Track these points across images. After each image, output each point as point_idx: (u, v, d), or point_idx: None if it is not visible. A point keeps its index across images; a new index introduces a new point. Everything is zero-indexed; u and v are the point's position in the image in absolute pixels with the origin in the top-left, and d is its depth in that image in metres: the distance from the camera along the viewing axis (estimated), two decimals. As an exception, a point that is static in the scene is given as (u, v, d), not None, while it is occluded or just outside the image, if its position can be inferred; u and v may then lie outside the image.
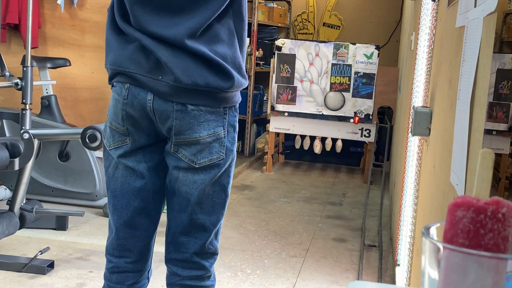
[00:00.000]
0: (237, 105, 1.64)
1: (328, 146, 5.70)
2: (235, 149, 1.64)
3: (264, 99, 6.41)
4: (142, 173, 1.62)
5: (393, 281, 2.92)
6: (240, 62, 1.58)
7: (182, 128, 1.54)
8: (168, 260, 1.69)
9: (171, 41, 1.49)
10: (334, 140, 5.67)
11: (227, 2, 1.52)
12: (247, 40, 5.98)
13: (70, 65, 3.99)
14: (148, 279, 1.76)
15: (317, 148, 5.72)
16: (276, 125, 5.61)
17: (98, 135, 3.01)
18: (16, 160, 2.84)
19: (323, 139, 5.75)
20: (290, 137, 6.07)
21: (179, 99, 1.53)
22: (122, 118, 1.58)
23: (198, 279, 1.66)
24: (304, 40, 5.73)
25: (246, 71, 6.96)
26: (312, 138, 5.76)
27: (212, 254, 1.68)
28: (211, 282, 1.70)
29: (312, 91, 5.48)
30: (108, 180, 1.65)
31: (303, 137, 5.79)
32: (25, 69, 3.02)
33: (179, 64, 1.49)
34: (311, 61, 5.47)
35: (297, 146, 5.85)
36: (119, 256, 1.68)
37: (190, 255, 1.64)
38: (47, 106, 3.90)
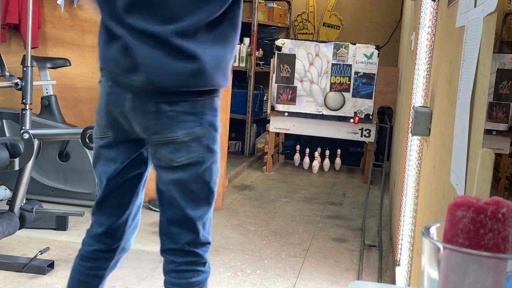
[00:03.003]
0: (217, 105, 1.67)
1: (326, 167, 5.89)
2: (217, 148, 1.68)
3: (264, 99, 6.41)
4: (117, 165, 1.73)
5: (393, 281, 2.91)
6: (227, 64, 1.64)
7: (158, 128, 1.61)
8: (164, 251, 1.76)
9: (156, 35, 1.54)
10: (333, 159, 5.86)
11: (222, 10, 1.57)
12: (247, 40, 5.98)
13: (70, 65, 3.99)
14: (115, 253, 1.84)
15: (315, 168, 5.77)
16: (276, 125, 5.61)
17: (98, 135, 3.01)
18: (16, 160, 2.84)
19: (322, 156, 5.82)
20: (290, 137, 6.08)
21: (155, 99, 1.59)
22: (105, 113, 1.69)
23: (192, 264, 1.73)
24: (304, 40, 5.73)
25: (246, 71, 6.87)
26: (311, 158, 5.85)
27: (204, 244, 1.74)
28: (206, 269, 1.75)
29: (312, 91, 5.48)
30: (93, 163, 1.80)
31: (302, 155, 5.92)
32: (25, 69, 3.02)
33: (154, 65, 1.56)
34: (311, 61, 5.47)
35: (296, 164, 5.98)
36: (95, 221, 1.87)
37: (182, 245, 1.71)
38: (47, 106, 3.90)
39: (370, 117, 5.39)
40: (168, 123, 1.60)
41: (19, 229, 2.99)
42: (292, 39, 6.00)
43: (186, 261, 1.72)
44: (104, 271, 1.84)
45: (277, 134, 5.88)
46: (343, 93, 5.43)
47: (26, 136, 2.87)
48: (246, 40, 5.99)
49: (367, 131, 5.46)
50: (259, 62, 6.19)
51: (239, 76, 6.18)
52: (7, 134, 3.87)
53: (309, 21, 7.04)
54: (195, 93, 1.59)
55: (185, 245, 1.71)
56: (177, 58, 1.55)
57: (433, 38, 2.09)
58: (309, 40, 5.65)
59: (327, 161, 5.87)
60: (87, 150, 3.77)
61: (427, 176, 1.83)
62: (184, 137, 1.61)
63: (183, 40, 1.54)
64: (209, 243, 1.75)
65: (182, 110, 1.59)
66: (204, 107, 1.62)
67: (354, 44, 5.42)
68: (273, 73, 5.53)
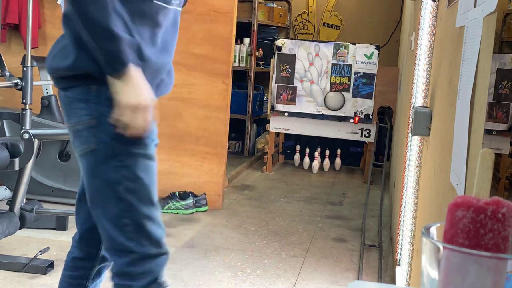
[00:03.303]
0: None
1: (326, 167, 5.90)
2: (119, 145, 1.49)
3: (264, 99, 6.42)
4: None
5: (393, 281, 2.92)
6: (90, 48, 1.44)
7: (64, 115, 1.59)
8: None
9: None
10: (333, 159, 5.88)
11: None
12: (247, 40, 5.97)
13: (70, 65, 3.98)
14: (95, 262, 1.75)
15: (315, 168, 5.78)
16: (276, 125, 5.61)
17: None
18: (16, 160, 2.84)
19: (322, 156, 5.82)
20: (290, 137, 6.08)
21: (56, 85, 1.58)
22: None
23: (117, 275, 1.56)
24: (304, 40, 5.73)
25: (246, 71, 6.81)
26: (311, 158, 5.86)
27: (123, 252, 1.52)
28: (134, 283, 1.53)
29: (312, 91, 5.48)
30: None
31: (302, 155, 5.93)
32: (25, 69, 3.01)
33: (52, 50, 1.57)
34: (311, 61, 5.47)
35: (296, 164, 5.99)
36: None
37: (106, 247, 1.59)
38: (47, 106, 3.90)
39: (370, 117, 5.39)
40: (66, 110, 1.55)
41: (19, 229, 2.99)
42: (292, 39, 6.00)
43: (115, 271, 1.56)
44: (86, 280, 1.75)
45: (277, 134, 5.88)
46: (343, 93, 5.43)
47: (26, 136, 2.87)
48: (246, 40, 5.99)
49: (367, 131, 5.46)
50: (259, 62, 6.19)
51: (239, 76, 6.18)
52: (7, 134, 3.87)
53: (309, 21, 7.04)
54: (80, 78, 1.50)
55: (107, 249, 1.58)
56: (60, 42, 1.55)
57: (433, 38, 2.09)
58: (309, 40, 5.65)
59: (327, 161, 5.87)
60: (87, 150, 3.77)
61: (427, 176, 1.83)
62: (77, 125, 1.52)
63: (66, 23, 1.52)
64: (132, 252, 1.51)
65: (74, 97, 1.52)
66: (97, 95, 1.49)
67: (354, 44, 5.42)
68: (273, 73, 5.53)
